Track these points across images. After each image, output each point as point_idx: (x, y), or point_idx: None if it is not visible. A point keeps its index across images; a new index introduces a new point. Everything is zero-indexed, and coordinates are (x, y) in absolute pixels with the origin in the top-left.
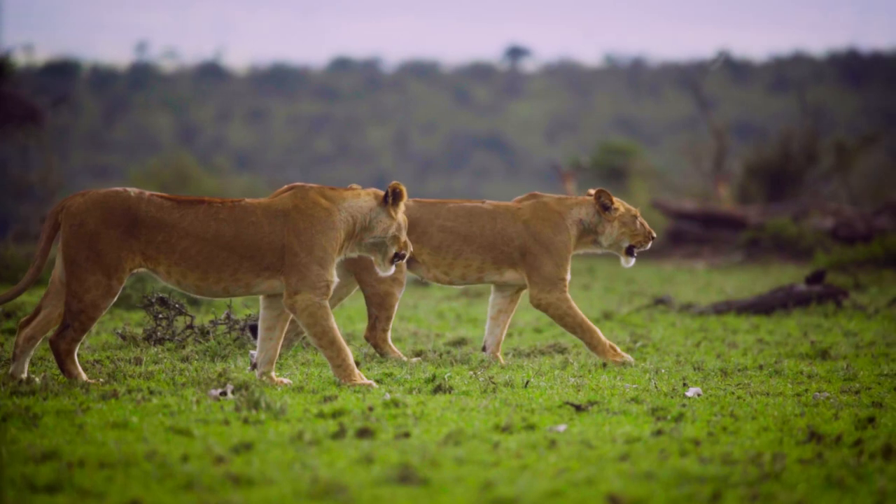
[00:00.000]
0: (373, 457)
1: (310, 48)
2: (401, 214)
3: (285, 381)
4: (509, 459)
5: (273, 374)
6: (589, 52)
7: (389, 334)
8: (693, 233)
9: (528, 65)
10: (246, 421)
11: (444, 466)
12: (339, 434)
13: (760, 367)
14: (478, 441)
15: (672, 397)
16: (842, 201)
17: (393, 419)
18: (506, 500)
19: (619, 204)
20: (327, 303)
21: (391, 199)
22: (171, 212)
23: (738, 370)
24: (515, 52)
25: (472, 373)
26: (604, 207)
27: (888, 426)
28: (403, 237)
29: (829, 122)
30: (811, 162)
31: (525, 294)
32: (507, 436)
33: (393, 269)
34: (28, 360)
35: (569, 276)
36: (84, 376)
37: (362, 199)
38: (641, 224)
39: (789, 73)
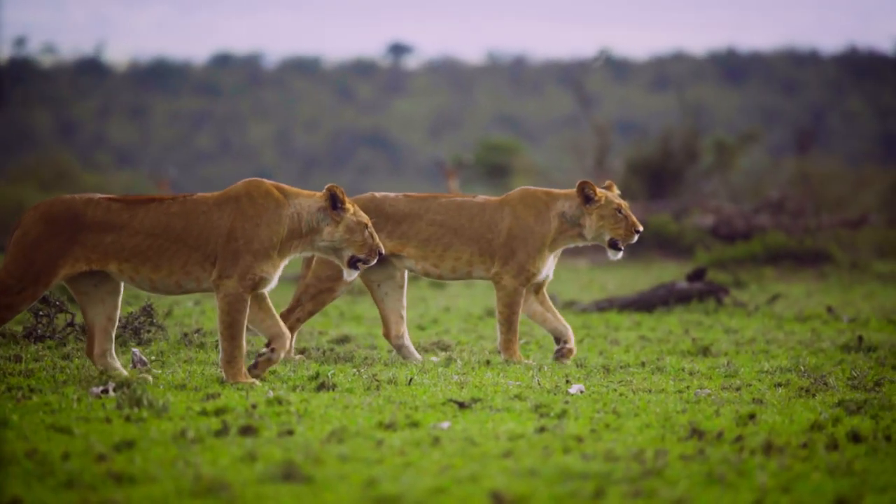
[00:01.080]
0: (256, 454)
1: (190, 43)
2: (349, 218)
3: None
4: (393, 457)
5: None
6: (471, 50)
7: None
8: None
9: (411, 62)
10: (128, 419)
11: (327, 464)
12: (222, 432)
13: (643, 364)
14: (361, 438)
15: (555, 394)
16: (722, 199)
17: (276, 417)
18: (389, 498)
19: (602, 195)
20: (249, 297)
21: (329, 203)
22: (120, 213)
23: (621, 367)
24: (398, 49)
25: (355, 370)
26: (586, 199)
27: (768, 422)
28: (364, 240)
29: (709, 120)
30: (692, 160)
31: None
32: (391, 433)
33: (355, 274)
34: (121, 368)
35: (542, 272)
36: None
37: (314, 199)
38: (626, 217)
39: (669, 71)
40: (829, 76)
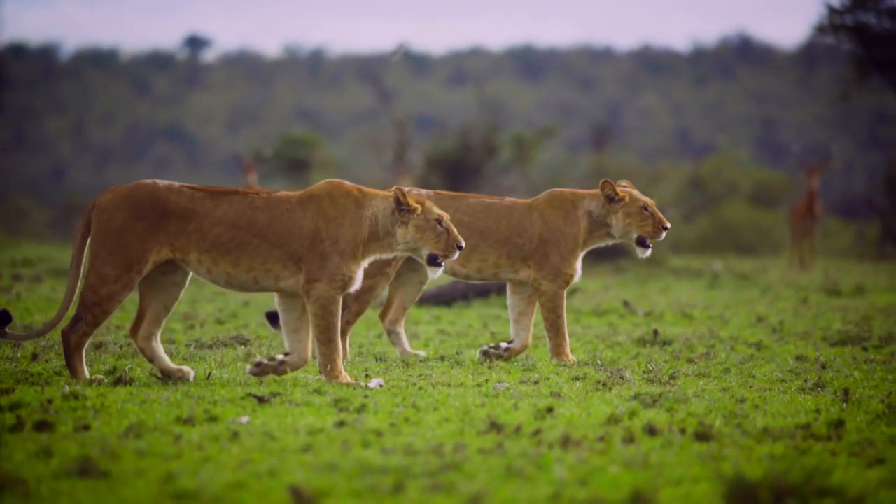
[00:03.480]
0: (52, 450)
1: None
2: (418, 217)
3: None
4: (191, 451)
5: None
6: (269, 43)
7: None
8: None
9: (208, 55)
10: None
11: (124, 459)
12: (16, 427)
13: (442, 358)
14: (159, 433)
15: (355, 388)
16: (521, 193)
17: (72, 412)
18: (187, 493)
19: (626, 194)
20: (340, 298)
21: (395, 206)
22: (203, 201)
23: (420, 361)
24: (195, 42)
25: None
26: (608, 199)
27: (566, 416)
28: (438, 237)
29: (507, 115)
30: (490, 154)
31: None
32: (190, 428)
33: (438, 271)
34: (163, 354)
35: (577, 272)
36: (87, 374)
37: (388, 201)
38: (652, 214)
39: (468, 66)
40: (625, 72)
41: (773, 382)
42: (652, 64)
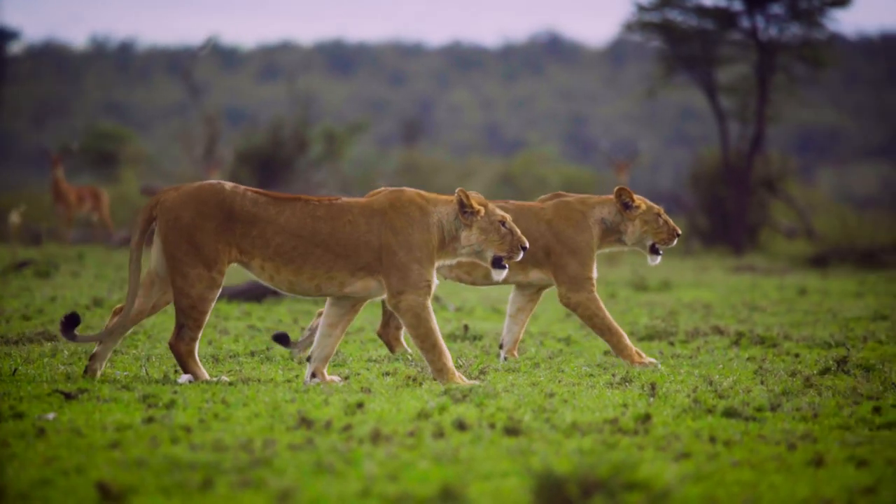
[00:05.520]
0: None
1: None
2: (481, 219)
3: (336, 378)
4: None
5: (325, 371)
6: (76, 35)
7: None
8: None
9: (14, 47)
10: None
11: None
12: None
13: (252, 354)
14: None
15: (163, 384)
16: (332, 189)
17: None
18: None
19: (641, 202)
20: (430, 303)
21: (458, 209)
22: (266, 207)
23: (230, 356)
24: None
25: None
26: (625, 206)
27: (376, 411)
28: (501, 238)
29: (318, 110)
30: (301, 149)
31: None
32: None
33: (503, 273)
34: (110, 352)
35: (595, 275)
36: (206, 375)
37: (451, 206)
38: (665, 221)
39: (278, 60)
40: (435, 68)
41: (582, 377)
42: (462, 60)
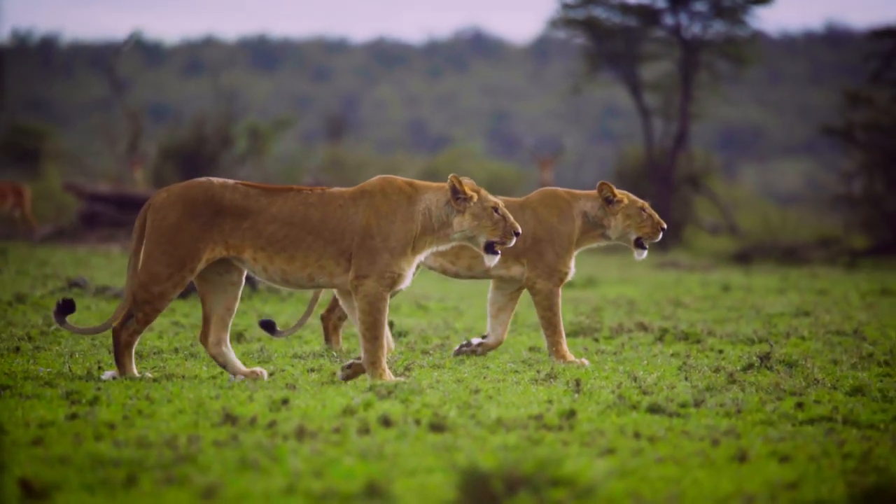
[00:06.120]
0: None
1: None
2: (474, 205)
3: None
4: None
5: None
6: None
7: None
8: (108, 215)
9: None
10: None
11: None
12: None
13: (176, 351)
14: None
15: (87, 381)
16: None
17: None
18: None
19: (623, 196)
20: (388, 295)
21: (451, 195)
22: (258, 199)
23: (154, 353)
24: None
25: None
26: (607, 201)
27: (301, 408)
28: (494, 224)
29: (242, 105)
30: (226, 145)
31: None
32: None
33: (495, 259)
34: (235, 359)
35: (571, 270)
36: (135, 371)
37: (441, 192)
38: (650, 216)
39: (202, 56)
40: (359, 64)
41: (507, 373)
42: (386, 56)
